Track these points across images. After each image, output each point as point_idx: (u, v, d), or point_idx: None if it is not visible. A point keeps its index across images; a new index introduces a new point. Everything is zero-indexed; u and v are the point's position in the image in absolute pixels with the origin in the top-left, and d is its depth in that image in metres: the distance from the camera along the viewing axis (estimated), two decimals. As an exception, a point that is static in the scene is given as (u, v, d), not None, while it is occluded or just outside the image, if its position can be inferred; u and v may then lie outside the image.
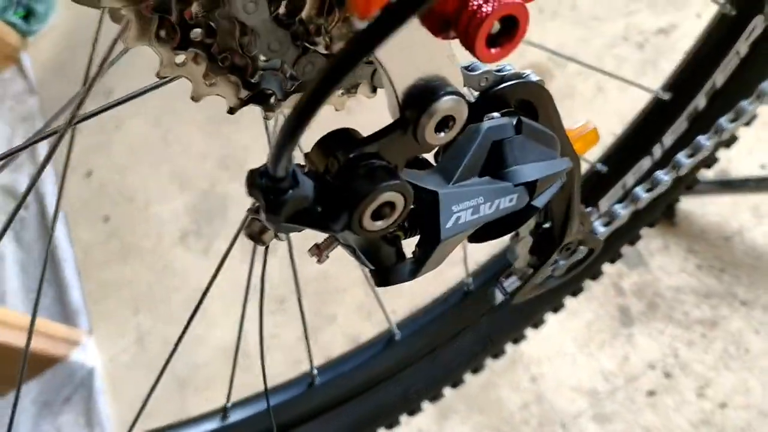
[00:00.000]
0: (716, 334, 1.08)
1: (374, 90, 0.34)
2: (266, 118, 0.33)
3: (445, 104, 0.27)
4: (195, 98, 0.30)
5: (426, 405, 0.67)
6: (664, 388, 1.07)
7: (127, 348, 1.42)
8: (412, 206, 0.28)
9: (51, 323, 1.35)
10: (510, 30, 0.25)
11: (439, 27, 0.24)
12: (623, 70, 1.35)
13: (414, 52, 0.26)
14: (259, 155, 1.54)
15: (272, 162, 0.24)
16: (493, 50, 0.25)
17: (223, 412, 0.54)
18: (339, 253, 1.26)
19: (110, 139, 1.63)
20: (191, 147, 1.58)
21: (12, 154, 0.33)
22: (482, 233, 0.34)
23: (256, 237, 0.33)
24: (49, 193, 1.54)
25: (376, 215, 0.27)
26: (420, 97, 0.27)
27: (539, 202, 0.34)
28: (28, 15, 1.84)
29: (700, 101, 0.57)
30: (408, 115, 0.27)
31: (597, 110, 1.31)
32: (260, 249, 0.38)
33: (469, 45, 0.24)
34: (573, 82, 1.36)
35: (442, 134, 0.28)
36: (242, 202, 1.53)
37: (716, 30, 0.58)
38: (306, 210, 0.26)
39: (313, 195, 0.26)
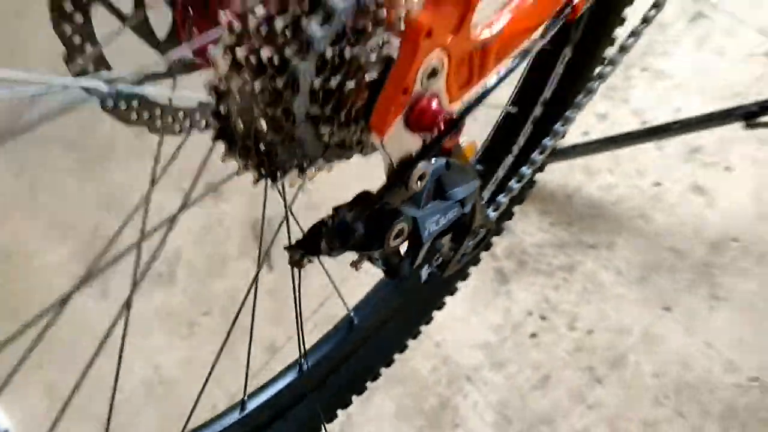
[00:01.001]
0: (575, 277, 1.42)
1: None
2: (291, 186, 0.55)
3: (421, 166, 0.51)
4: (255, 184, 0.52)
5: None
6: (543, 328, 1.39)
7: (37, 403, 1.51)
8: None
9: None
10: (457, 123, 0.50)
11: (421, 131, 0.48)
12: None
13: (405, 143, 0.49)
14: (138, 191, 1.67)
15: (353, 221, 0.46)
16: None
17: (242, 404, 0.75)
18: (243, 271, 1.47)
19: (-31, 197, 1.68)
20: (65, 193, 1.67)
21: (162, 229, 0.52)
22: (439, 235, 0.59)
23: (297, 263, 0.55)
24: None
25: (394, 237, 0.51)
26: (406, 164, 0.51)
27: (467, 209, 0.59)
28: None
29: (538, 110, 0.86)
30: (400, 176, 0.51)
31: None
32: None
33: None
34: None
35: (420, 182, 0.52)
36: (133, 240, 1.66)
37: (539, 59, 0.87)
38: (355, 241, 0.49)
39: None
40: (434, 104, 0.47)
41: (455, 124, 0.41)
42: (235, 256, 1.63)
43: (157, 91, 0.50)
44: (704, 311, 1.33)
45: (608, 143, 1.41)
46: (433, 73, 0.47)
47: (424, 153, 0.40)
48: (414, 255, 0.55)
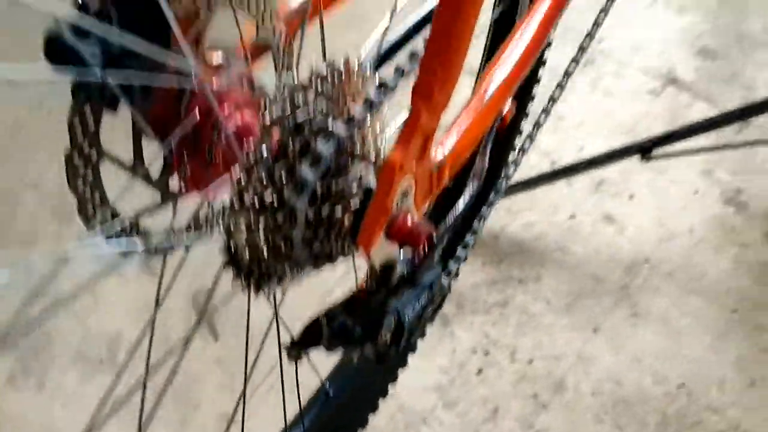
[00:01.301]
0: (509, 311, 1.55)
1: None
2: (274, 294, 0.64)
3: (400, 266, 0.62)
4: (255, 296, 0.61)
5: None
6: (487, 364, 1.51)
7: None
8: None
9: None
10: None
11: (398, 240, 0.60)
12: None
13: (386, 252, 0.60)
14: (65, 278, 1.69)
15: (352, 328, 0.56)
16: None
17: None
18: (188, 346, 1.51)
19: None
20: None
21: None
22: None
23: (296, 358, 0.64)
24: None
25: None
26: (387, 267, 0.61)
27: (435, 289, 0.71)
28: None
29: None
30: (396, 286, 0.62)
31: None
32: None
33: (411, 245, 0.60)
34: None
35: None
36: (67, 331, 1.67)
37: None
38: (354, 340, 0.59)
39: (357, 332, 0.59)
40: (408, 219, 0.59)
41: (434, 243, 0.52)
42: (179, 331, 1.68)
43: (178, 243, 0.58)
44: (628, 329, 1.49)
45: (525, 185, 1.57)
46: (405, 194, 0.58)
47: (420, 273, 0.51)
48: (398, 341, 0.65)
